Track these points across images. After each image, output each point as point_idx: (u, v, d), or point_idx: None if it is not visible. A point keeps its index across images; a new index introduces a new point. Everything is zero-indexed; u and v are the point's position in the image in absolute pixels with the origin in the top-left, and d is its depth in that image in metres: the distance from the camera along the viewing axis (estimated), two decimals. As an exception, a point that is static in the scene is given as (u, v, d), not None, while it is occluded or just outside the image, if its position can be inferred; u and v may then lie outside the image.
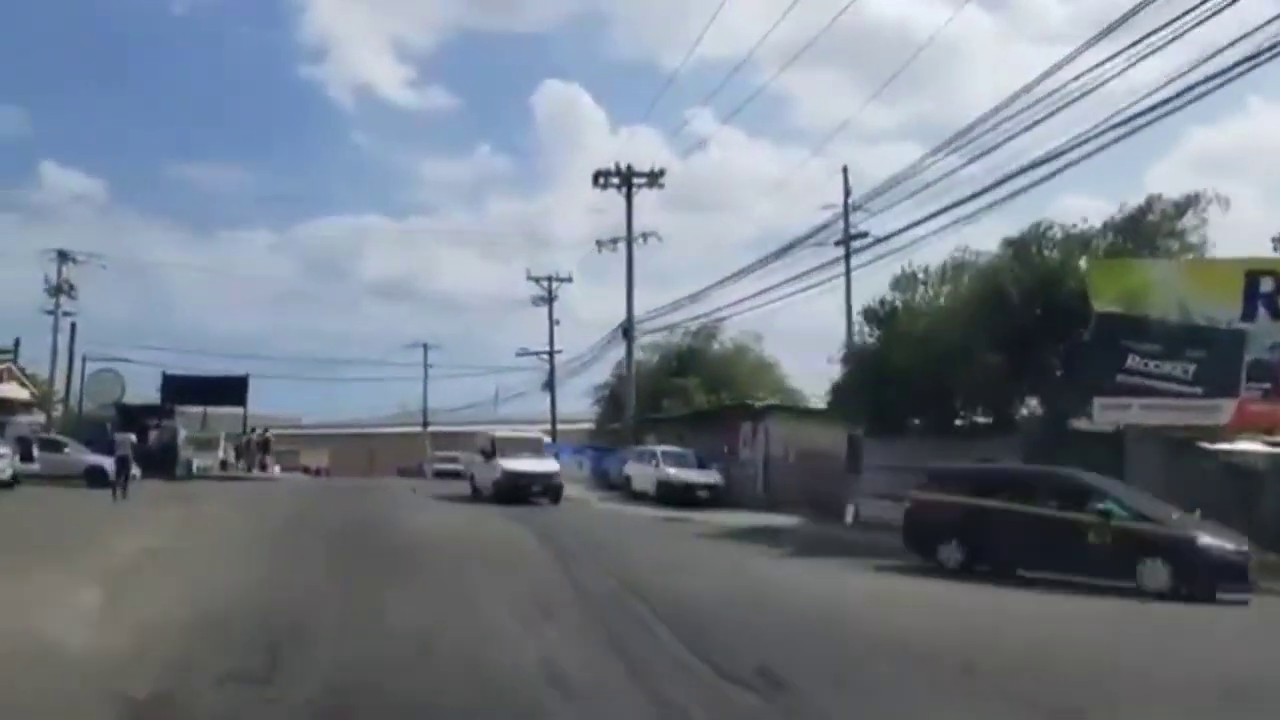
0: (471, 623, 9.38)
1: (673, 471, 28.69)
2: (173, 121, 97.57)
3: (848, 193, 34.53)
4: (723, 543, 18.96)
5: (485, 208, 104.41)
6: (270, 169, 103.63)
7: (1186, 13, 15.67)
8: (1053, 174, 19.53)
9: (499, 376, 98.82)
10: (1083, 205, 54.18)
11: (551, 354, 53.72)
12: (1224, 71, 15.96)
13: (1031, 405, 21.97)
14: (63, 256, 45.59)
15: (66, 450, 30.28)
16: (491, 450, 27.65)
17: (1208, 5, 15.57)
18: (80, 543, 14.78)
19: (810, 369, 48.36)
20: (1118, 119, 17.83)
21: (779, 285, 30.96)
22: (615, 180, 37.14)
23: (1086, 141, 18.51)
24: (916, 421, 23.28)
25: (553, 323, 53.27)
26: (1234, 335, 18.56)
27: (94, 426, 35.91)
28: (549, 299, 52.96)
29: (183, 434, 37.06)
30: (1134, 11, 16.71)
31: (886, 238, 26.86)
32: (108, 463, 27.33)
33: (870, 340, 23.78)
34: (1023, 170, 20.14)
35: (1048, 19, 79.61)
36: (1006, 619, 11.47)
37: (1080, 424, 19.90)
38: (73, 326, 44.40)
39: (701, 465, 29.47)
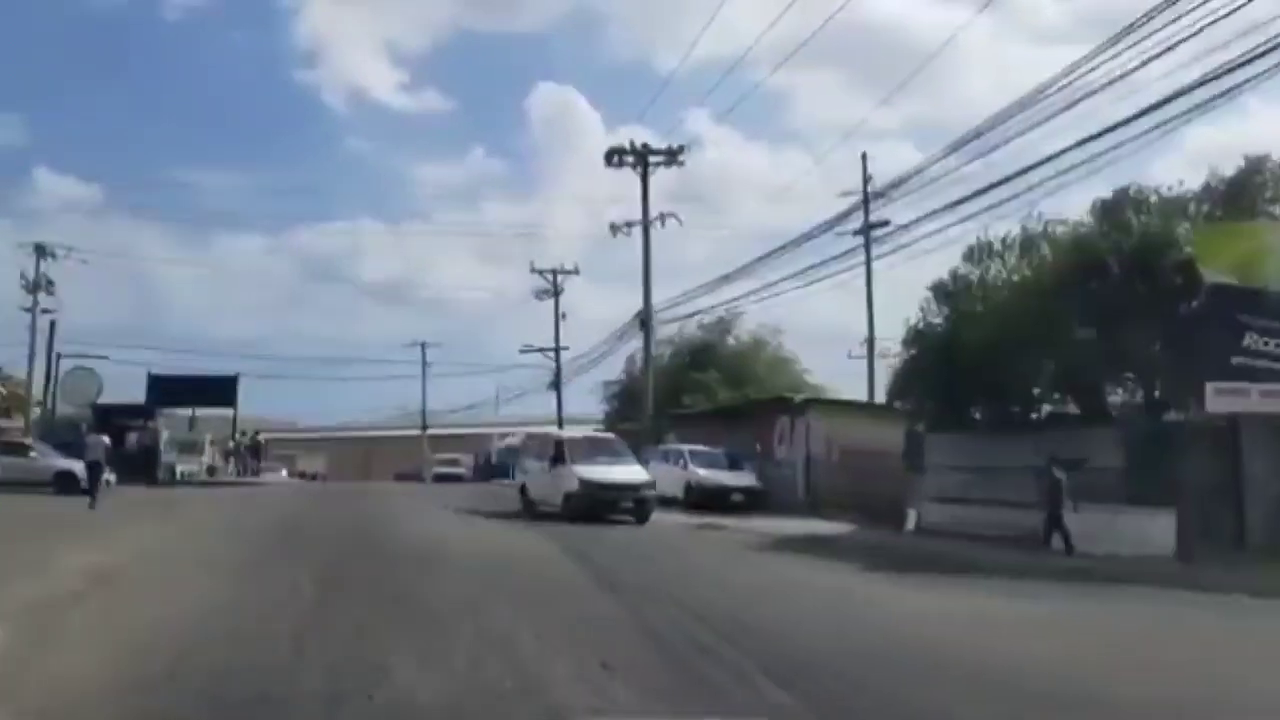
0: (515, 689, 6.62)
1: (703, 473, 25.76)
2: (167, 126, 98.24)
3: (867, 179, 32.66)
4: (781, 556, 16.25)
5: (481, 210, 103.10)
6: (265, 173, 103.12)
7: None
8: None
9: (499, 376, 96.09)
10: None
11: (558, 349, 51.17)
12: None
13: (1121, 394, 19.27)
14: (40, 250, 43.34)
15: (32, 454, 27.60)
16: (560, 454, 21.97)
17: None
18: (15, 562, 12.00)
19: (829, 366, 45.91)
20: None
21: (799, 273, 29.88)
22: (630, 159, 34.30)
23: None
24: (981, 414, 20.61)
25: (559, 316, 50.76)
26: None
27: (69, 429, 33.43)
28: (554, 292, 50.43)
29: (165, 436, 34.29)
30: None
31: (908, 225, 25.43)
32: (78, 467, 24.81)
33: (937, 321, 20.99)
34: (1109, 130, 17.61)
35: (1043, 17, 77.42)
36: None
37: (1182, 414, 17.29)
38: (51, 325, 42.14)
39: (734, 465, 26.67)
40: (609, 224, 35.97)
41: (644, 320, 35.10)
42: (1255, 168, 18.59)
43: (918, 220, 25.60)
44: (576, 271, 50.41)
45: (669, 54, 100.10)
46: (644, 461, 24.67)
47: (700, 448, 27.18)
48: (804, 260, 31.26)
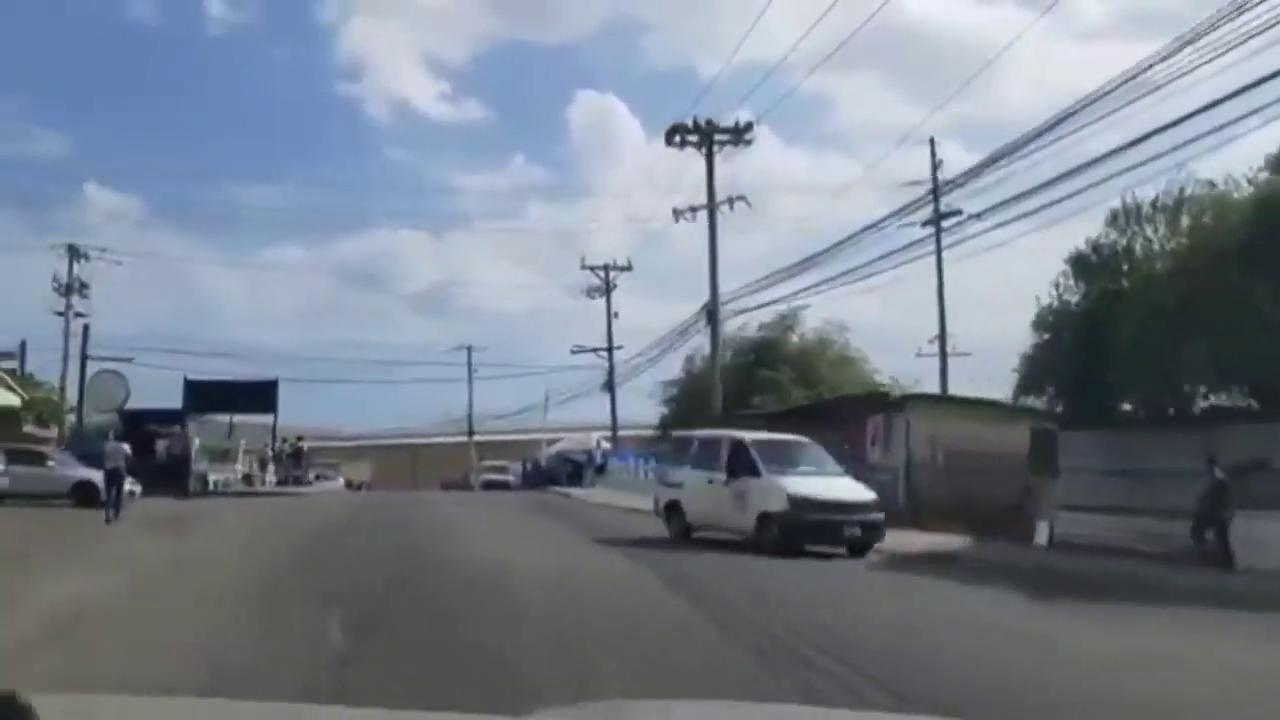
0: None
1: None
2: (212, 140, 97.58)
3: (936, 164, 30.13)
4: (910, 580, 13.39)
5: (524, 215, 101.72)
6: (308, 185, 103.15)
7: None
8: None
9: (548, 378, 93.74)
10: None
11: (610, 348, 48.52)
12: None
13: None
14: (73, 252, 41.82)
15: (50, 463, 25.41)
16: (746, 461, 16.72)
17: None
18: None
19: (894, 365, 42.93)
20: None
21: (867, 264, 28.78)
22: (694, 138, 31.55)
23: None
24: (1127, 407, 17.54)
25: (610, 314, 48.15)
26: None
27: (99, 437, 31.35)
28: (607, 288, 47.79)
29: (196, 444, 32.02)
30: None
31: (980, 214, 23.15)
32: (99, 477, 22.56)
33: (1075, 299, 17.88)
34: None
35: (1087, 16, 73.90)
36: None
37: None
38: (85, 329, 40.46)
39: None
40: (671, 209, 33.45)
41: (710, 311, 32.26)
42: None
43: (995, 207, 23.38)
44: (629, 267, 47.97)
45: (708, 60, 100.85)
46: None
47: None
48: (866, 254, 29.39)
